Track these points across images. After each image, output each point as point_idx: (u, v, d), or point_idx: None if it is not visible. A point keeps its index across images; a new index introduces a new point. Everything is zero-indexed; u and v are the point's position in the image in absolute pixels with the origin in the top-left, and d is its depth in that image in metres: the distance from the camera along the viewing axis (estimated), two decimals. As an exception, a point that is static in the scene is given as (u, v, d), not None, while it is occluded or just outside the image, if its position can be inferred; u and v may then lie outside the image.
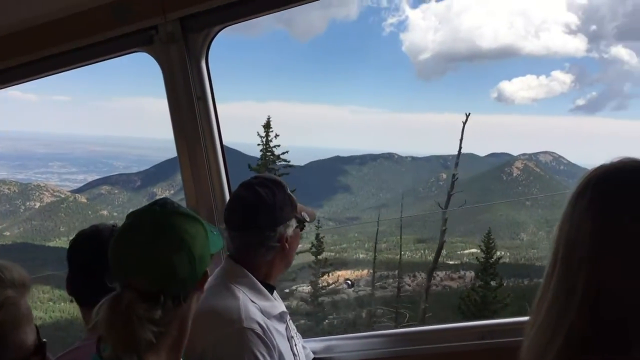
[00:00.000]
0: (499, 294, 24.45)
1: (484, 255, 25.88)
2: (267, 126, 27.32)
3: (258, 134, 27.17)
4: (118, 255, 1.54)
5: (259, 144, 26.55)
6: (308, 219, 2.45)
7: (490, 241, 26.55)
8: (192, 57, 2.91)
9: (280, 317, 2.33)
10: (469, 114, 28.83)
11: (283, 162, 27.46)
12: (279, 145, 28.49)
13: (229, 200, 2.44)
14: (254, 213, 2.25)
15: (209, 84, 2.98)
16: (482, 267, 25.70)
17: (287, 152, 28.96)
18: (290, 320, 2.48)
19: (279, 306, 2.38)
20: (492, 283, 24.70)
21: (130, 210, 1.69)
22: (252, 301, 2.21)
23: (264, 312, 2.22)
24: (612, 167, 1.25)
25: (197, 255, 1.54)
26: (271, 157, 27.49)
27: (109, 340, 1.44)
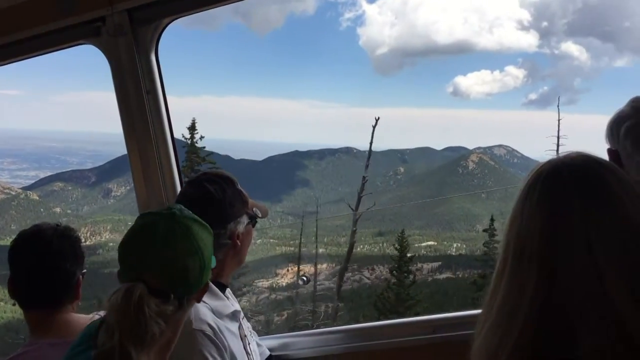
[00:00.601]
0: (412, 291, 24.95)
1: (398, 254, 26.18)
2: (192, 128, 26.63)
3: (183, 136, 26.27)
4: (133, 251, 1.56)
5: (184, 146, 25.87)
6: (260, 215, 2.40)
7: (404, 240, 27.05)
8: (141, 50, 2.82)
9: (233, 316, 2.29)
10: (379, 117, 29.50)
11: (209, 164, 26.93)
12: (204, 147, 27.96)
13: (178, 198, 2.37)
14: (202, 210, 2.20)
15: (159, 77, 2.90)
16: (396, 264, 26.03)
17: (211, 153, 28.77)
18: (244, 319, 2.44)
19: (232, 305, 2.33)
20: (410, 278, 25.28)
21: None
22: (203, 301, 2.16)
23: (215, 312, 2.17)
24: (560, 161, 1.25)
25: (207, 263, 1.60)
26: (196, 159, 27.00)
27: (117, 329, 1.42)
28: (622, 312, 1.09)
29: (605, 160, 1.26)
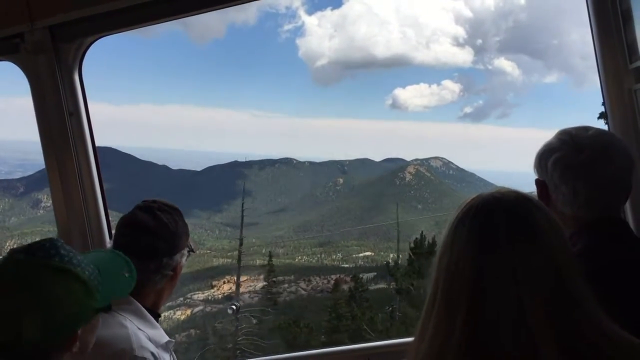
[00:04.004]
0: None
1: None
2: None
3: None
4: None
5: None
6: (194, 248, 2.40)
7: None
8: (64, 69, 2.72)
9: (166, 346, 2.25)
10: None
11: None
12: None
13: (125, 223, 2.27)
14: (155, 239, 2.14)
15: (83, 98, 2.79)
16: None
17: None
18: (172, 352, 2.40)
19: (165, 335, 2.30)
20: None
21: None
22: (140, 329, 2.11)
23: (152, 341, 2.12)
24: (491, 196, 1.28)
25: (62, 317, 1.39)
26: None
27: None
28: (539, 345, 1.13)
29: (534, 197, 1.30)
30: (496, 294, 1.18)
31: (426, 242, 30.10)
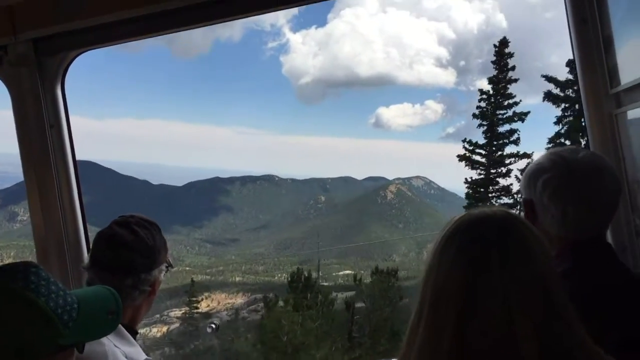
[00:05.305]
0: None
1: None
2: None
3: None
4: None
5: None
6: (172, 264, 2.37)
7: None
8: (46, 82, 2.68)
9: None
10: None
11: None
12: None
13: (102, 238, 2.24)
14: (132, 254, 2.10)
15: (65, 111, 2.76)
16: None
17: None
18: None
19: (142, 352, 2.25)
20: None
21: None
22: (117, 346, 2.06)
23: (128, 358, 2.06)
24: (480, 214, 1.28)
25: (7, 342, 1.30)
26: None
27: None
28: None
29: (521, 217, 1.31)
30: (485, 313, 1.17)
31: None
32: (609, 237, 2.28)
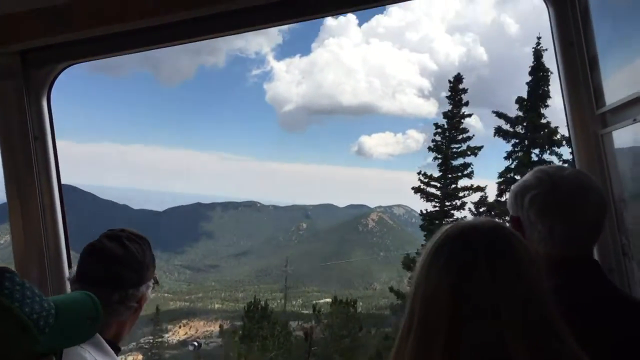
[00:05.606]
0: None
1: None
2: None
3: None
4: None
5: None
6: (158, 281, 2.33)
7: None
8: (32, 95, 2.65)
9: None
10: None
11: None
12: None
13: (91, 251, 2.19)
14: (121, 269, 2.05)
15: (50, 123, 2.72)
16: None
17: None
18: None
19: None
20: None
21: None
22: None
23: None
24: (469, 224, 1.28)
25: None
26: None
27: None
28: None
29: (509, 227, 1.31)
30: (475, 318, 1.16)
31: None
32: (596, 258, 2.28)
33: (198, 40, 2.68)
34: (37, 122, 2.68)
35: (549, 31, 2.34)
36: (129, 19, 2.44)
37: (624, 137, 2.17)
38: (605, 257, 2.28)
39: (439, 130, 33.86)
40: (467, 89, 34.28)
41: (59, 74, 2.73)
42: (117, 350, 2.19)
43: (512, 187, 1.95)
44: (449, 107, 34.01)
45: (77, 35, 2.54)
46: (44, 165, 2.70)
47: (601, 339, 1.62)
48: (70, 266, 2.77)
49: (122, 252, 2.07)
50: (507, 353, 1.12)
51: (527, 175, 1.92)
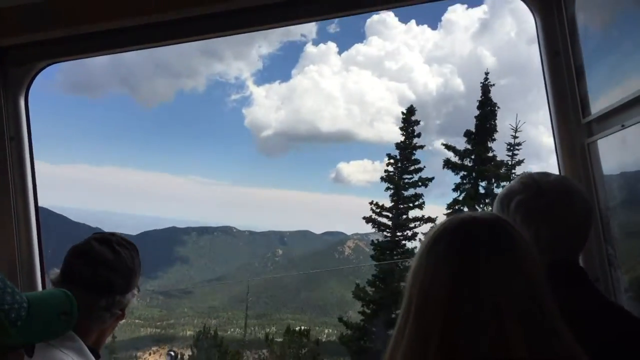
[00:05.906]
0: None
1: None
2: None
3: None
4: None
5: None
6: (139, 288, 2.27)
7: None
8: (10, 93, 2.59)
9: None
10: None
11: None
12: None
13: (79, 253, 2.10)
14: (111, 274, 2.00)
15: (27, 124, 2.65)
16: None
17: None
18: None
19: None
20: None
21: None
22: None
23: None
24: (469, 217, 1.27)
25: None
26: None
27: None
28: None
29: (510, 221, 1.30)
30: (474, 306, 1.13)
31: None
32: (581, 260, 2.28)
33: (183, 42, 2.66)
34: (13, 122, 2.62)
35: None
36: (114, 18, 2.41)
37: (609, 146, 2.19)
38: (591, 267, 2.26)
39: (392, 160, 34.28)
40: (419, 121, 35.16)
41: (37, 73, 2.68)
42: (98, 357, 2.12)
43: (499, 193, 1.96)
44: (402, 139, 34.49)
45: (58, 33, 2.50)
46: (19, 167, 2.63)
47: (585, 343, 1.60)
48: (42, 275, 2.68)
49: (113, 257, 2.02)
50: (507, 348, 1.10)
51: (513, 181, 1.94)
